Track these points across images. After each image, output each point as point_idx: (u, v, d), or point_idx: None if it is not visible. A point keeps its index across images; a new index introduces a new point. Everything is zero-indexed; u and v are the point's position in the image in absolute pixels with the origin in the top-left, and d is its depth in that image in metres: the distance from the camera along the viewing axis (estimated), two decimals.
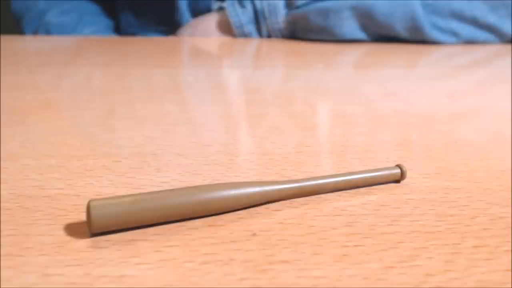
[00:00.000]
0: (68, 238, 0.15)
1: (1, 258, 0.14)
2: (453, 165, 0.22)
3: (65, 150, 0.22)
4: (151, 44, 0.48)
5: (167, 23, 0.57)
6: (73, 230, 0.16)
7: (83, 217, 0.17)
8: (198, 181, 0.20)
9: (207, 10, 0.59)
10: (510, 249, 0.15)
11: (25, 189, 0.18)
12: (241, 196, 0.17)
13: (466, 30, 0.62)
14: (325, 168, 0.21)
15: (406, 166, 0.21)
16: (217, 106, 0.29)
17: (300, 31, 0.60)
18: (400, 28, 0.59)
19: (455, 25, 0.62)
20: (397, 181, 0.20)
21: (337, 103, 0.31)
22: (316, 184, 0.18)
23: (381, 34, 0.60)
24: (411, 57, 0.53)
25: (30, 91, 0.31)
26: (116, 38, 0.52)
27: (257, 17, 0.57)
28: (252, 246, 0.15)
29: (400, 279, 0.14)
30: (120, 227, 0.16)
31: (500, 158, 0.23)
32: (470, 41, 0.63)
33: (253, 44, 0.50)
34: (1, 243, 0.15)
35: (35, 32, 0.60)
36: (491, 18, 0.62)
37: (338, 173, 0.19)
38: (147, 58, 0.41)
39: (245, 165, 0.21)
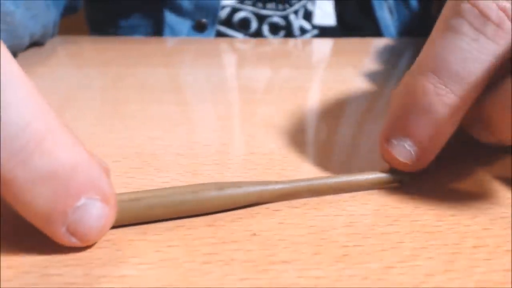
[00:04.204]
0: None
1: (1, 258, 0.14)
2: (453, 164, 0.22)
3: None
4: (151, 44, 0.48)
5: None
6: None
7: None
8: (198, 181, 0.20)
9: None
10: (510, 249, 0.15)
11: None
12: (241, 196, 0.17)
13: None
14: (326, 169, 0.21)
15: None
16: (217, 106, 0.29)
17: None
18: None
19: None
20: (400, 182, 0.20)
21: (339, 102, 0.31)
22: (316, 185, 0.18)
23: None
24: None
25: None
26: (115, 38, 0.52)
27: None
28: (252, 246, 0.15)
29: (400, 279, 0.14)
30: (119, 224, 0.16)
31: (500, 157, 0.23)
32: None
33: (253, 44, 0.50)
34: (1, 243, 0.15)
35: None
36: None
37: (339, 174, 0.19)
38: (147, 58, 0.41)
39: (245, 165, 0.21)
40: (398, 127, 0.18)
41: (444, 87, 0.17)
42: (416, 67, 0.18)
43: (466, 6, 0.17)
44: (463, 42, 0.17)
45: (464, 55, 0.17)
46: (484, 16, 0.17)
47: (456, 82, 0.17)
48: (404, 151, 0.18)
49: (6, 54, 0.14)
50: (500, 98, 0.17)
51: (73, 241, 0.14)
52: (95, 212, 0.14)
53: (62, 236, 0.14)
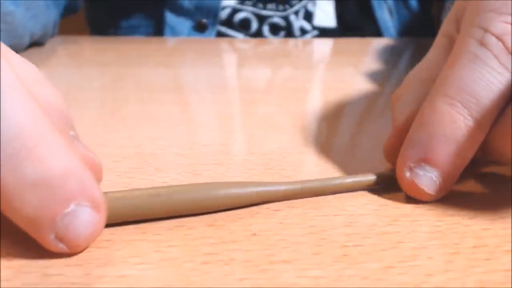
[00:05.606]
0: None
1: (1, 258, 0.14)
2: None
3: None
4: (151, 44, 0.48)
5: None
6: None
7: None
8: (198, 181, 0.20)
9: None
10: (510, 249, 0.15)
11: None
12: (241, 196, 0.17)
13: None
14: (326, 168, 0.21)
15: None
16: (217, 106, 0.29)
17: None
18: None
19: None
20: None
21: (339, 102, 0.31)
22: (317, 186, 0.18)
23: None
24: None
25: None
26: (115, 38, 0.52)
27: None
28: (252, 246, 0.15)
29: (400, 279, 0.14)
30: (118, 221, 0.16)
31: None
32: None
33: (253, 43, 0.50)
34: (1, 243, 0.15)
35: None
36: None
37: (340, 175, 0.19)
38: (147, 58, 0.41)
39: (245, 165, 0.21)
40: (424, 157, 0.18)
41: (471, 118, 0.17)
42: (442, 94, 0.18)
43: (492, 39, 0.17)
44: (490, 76, 0.17)
45: (491, 88, 0.17)
46: (509, 52, 0.17)
47: (482, 115, 0.17)
48: (430, 182, 0.18)
49: (1, 58, 0.14)
50: (502, 125, 0.17)
51: (61, 247, 0.14)
52: (84, 219, 0.14)
53: (50, 242, 0.14)
